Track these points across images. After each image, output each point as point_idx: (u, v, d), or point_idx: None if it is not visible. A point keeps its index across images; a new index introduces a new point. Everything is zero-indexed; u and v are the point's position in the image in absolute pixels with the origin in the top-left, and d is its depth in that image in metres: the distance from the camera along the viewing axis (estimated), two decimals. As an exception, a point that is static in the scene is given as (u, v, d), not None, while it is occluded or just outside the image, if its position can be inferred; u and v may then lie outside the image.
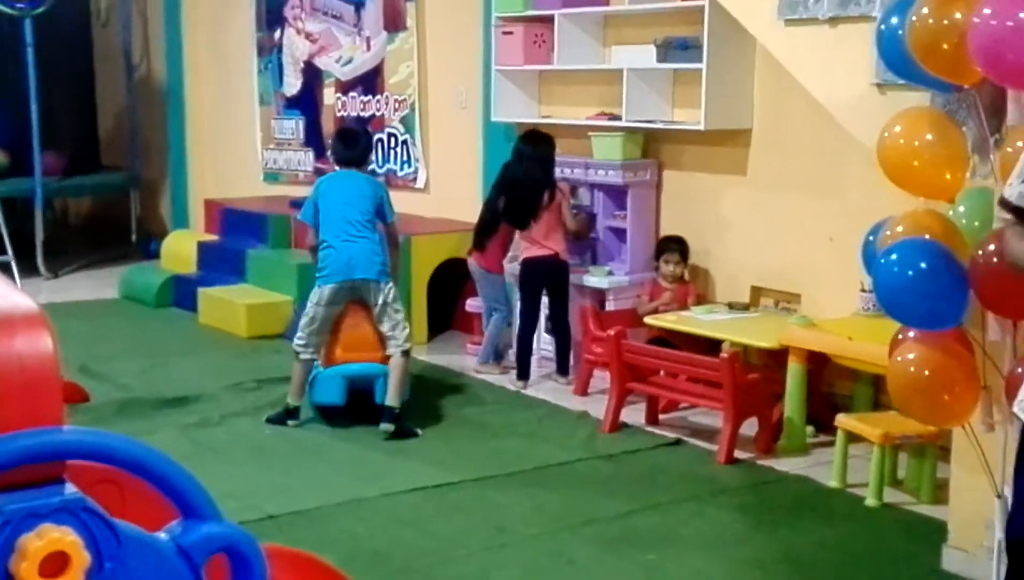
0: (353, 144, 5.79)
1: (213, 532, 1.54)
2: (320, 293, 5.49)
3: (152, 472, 1.49)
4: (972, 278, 3.21)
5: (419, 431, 5.43)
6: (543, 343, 6.51)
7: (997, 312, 3.28)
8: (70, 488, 1.48)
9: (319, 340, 5.53)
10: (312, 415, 5.66)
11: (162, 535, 1.54)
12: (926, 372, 3.34)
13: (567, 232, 6.27)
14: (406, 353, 5.49)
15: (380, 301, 5.47)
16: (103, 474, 1.77)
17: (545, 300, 6.34)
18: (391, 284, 5.54)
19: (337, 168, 5.80)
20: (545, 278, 6.24)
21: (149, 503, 1.68)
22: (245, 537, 1.55)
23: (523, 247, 6.33)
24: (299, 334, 5.56)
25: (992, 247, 3.13)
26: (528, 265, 6.26)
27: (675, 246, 6.16)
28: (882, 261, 3.31)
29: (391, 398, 5.40)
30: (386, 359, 5.49)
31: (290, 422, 5.53)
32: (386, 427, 5.34)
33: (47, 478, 1.49)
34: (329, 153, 6.05)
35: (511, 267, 6.53)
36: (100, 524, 1.46)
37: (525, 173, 6.21)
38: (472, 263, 6.61)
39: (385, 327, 5.49)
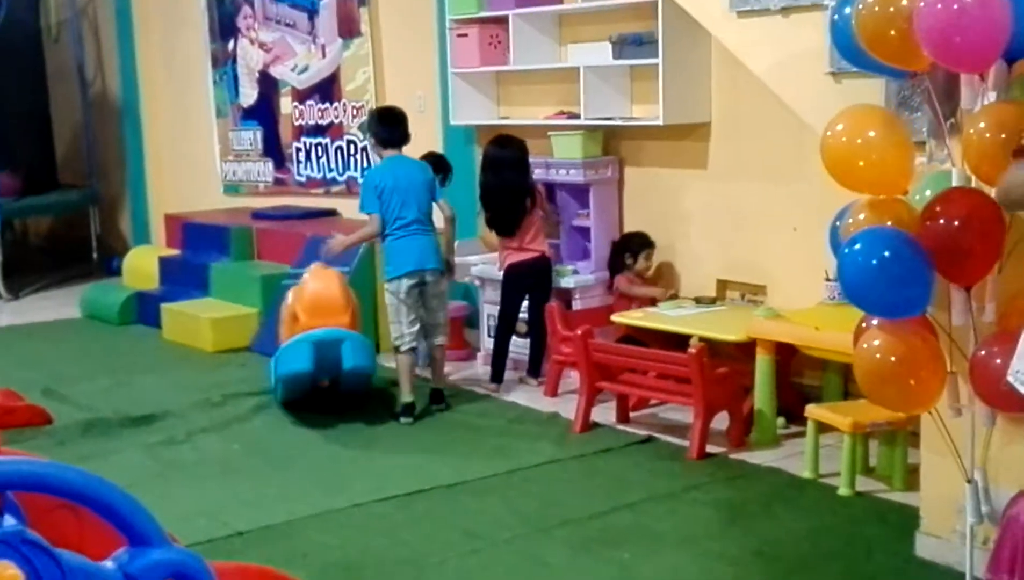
0: (398, 123, 5.85)
1: (161, 559, 1.49)
2: (399, 285, 5.69)
3: (92, 499, 1.44)
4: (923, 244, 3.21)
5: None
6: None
7: (949, 276, 3.27)
8: (9, 520, 1.43)
9: (414, 329, 5.75)
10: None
11: (109, 564, 1.49)
12: (892, 359, 3.33)
13: (547, 231, 6.29)
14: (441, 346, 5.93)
15: (438, 291, 5.82)
16: (58, 500, 1.72)
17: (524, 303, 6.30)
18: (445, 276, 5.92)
19: (386, 152, 5.82)
20: (531, 280, 6.22)
21: (107, 528, 1.63)
22: (194, 561, 1.51)
23: (506, 253, 6.27)
24: (394, 331, 5.77)
25: (939, 209, 3.17)
26: (515, 269, 6.21)
27: (649, 240, 6.13)
28: (846, 251, 3.29)
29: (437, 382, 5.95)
30: (352, 324, 5.69)
31: (403, 419, 5.67)
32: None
33: (-16, 511, 1.43)
34: (370, 136, 6.17)
35: (481, 270, 6.52)
36: (42, 556, 1.41)
37: (506, 181, 6.14)
38: None
39: (437, 317, 5.85)
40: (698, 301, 5.88)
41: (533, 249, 6.18)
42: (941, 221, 3.17)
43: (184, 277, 8.26)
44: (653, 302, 5.97)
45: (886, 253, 3.19)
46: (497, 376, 6.24)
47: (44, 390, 6.31)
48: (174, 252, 8.79)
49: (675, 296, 6.07)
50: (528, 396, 6.09)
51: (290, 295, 6.05)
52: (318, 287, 5.77)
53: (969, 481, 3.41)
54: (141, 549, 1.48)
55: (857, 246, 3.25)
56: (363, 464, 5.11)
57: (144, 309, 8.28)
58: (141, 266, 8.85)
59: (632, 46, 6.05)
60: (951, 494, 3.63)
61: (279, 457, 5.25)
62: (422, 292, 5.74)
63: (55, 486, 1.43)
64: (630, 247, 6.17)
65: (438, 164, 6.42)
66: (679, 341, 5.46)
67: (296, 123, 8.78)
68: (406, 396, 5.71)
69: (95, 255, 10.69)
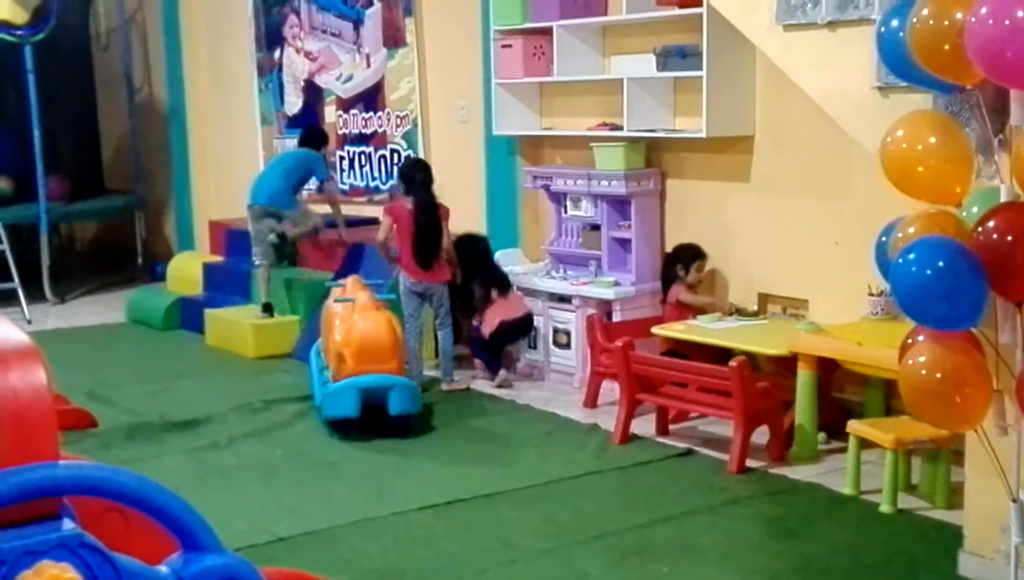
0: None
1: (215, 564, 1.51)
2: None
3: (151, 505, 1.47)
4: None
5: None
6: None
7: (999, 292, 3.23)
8: (68, 524, 1.46)
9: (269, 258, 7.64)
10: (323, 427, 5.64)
11: (163, 568, 1.52)
12: (938, 375, 3.30)
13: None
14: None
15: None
16: (108, 503, 1.75)
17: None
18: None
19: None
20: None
21: (155, 530, 1.66)
22: (246, 567, 1.53)
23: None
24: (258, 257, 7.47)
25: (990, 224, 3.13)
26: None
27: (701, 252, 6.08)
28: (900, 260, 3.26)
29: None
30: (401, 370, 5.63)
31: (262, 314, 7.47)
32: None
33: (45, 514, 1.46)
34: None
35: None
36: (99, 559, 1.44)
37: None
38: (423, 284, 6.43)
39: None
40: (740, 314, 5.86)
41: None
42: (993, 236, 3.14)
43: (227, 283, 8.34)
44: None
45: (941, 263, 3.16)
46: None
47: (89, 393, 6.39)
48: (218, 258, 8.87)
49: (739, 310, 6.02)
50: (568, 407, 6.09)
51: (332, 299, 6.14)
52: (367, 331, 5.62)
53: (1014, 501, 3.37)
54: (196, 554, 1.50)
55: (912, 255, 3.22)
56: (403, 472, 5.14)
57: (188, 314, 8.36)
58: (185, 272, 8.94)
59: (676, 58, 6.05)
60: (995, 513, 3.60)
61: (320, 463, 5.29)
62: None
63: (115, 491, 1.46)
64: (682, 258, 6.14)
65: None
66: (720, 354, 5.46)
67: (340, 132, 8.84)
68: (264, 298, 7.54)
69: (140, 260, 10.81)
